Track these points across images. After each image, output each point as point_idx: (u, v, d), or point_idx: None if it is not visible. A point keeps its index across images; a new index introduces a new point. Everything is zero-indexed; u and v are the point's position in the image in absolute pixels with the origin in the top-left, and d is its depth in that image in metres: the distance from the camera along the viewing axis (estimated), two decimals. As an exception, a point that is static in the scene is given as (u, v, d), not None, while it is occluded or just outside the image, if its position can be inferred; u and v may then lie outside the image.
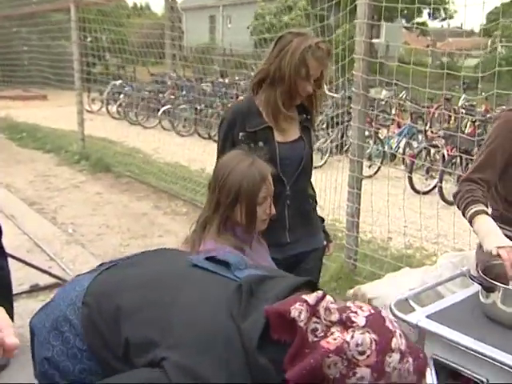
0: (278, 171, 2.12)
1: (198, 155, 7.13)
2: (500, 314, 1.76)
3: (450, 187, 6.19)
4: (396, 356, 1.12)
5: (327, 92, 7.71)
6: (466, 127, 8.13)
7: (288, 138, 2.26)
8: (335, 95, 7.39)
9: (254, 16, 21.27)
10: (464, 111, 7.76)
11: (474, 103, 8.63)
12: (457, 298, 1.96)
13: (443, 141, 6.66)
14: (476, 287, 1.93)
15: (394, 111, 9.39)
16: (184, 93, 10.86)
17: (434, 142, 6.97)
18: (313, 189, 2.44)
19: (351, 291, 3.53)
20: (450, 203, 5.65)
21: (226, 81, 10.91)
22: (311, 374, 1.12)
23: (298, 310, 1.17)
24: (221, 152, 2.18)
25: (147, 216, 5.70)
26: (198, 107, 9.83)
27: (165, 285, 1.36)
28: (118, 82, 11.99)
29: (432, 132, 7.89)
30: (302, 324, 1.17)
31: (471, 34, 25.70)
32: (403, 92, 9.99)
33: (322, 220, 2.49)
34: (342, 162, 4.98)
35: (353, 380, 1.10)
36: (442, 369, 1.77)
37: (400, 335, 1.16)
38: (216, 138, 2.48)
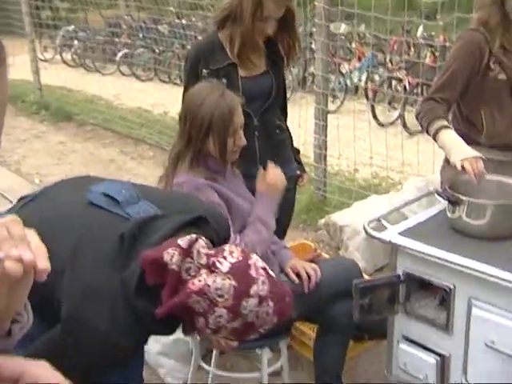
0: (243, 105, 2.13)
1: (160, 99, 7.02)
2: (466, 227, 1.87)
3: (412, 117, 6.28)
4: (253, 301, 1.29)
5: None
6: (425, 57, 8.18)
7: (253, 73, 2.28)
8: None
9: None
10: (423, 41, 7.78)
11: (433, 33, 8.65)
12: (425, 216, 2.06)
13: (404, 72, 6.71)
14: (442, 205, 2.03)
15: (354, 45, 9.34)
16: (141, 36, 10.53)
17: (395, 74, 7.01)
18: (285, 119, 2.47)
19: (322, 221, 3.65)
20: (413, 133, 5.77)
21: (183, 21, 10.60)
22: (179, 309, 1.30)
23: (170, 255, 1.29)
24: (186, 90, 2.17)
25: (115, 162, 5.66)
26: (157, 50, 9.58)
27: (58, 232, 1.40)
28: (71, 28, 11.52)
29: (392, 64, 7.93)
30: (174, 267, 1.29)
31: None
32: (362, 25, 9.92)
33: (298, 151, 2.54)
34: (306, 99, 5.00)
35: (213, 317, 1.29)
36: (412, 282, 1.88)
37: (263, 282, 1.30)
38: (176, 81, 2.48)
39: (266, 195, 2.00)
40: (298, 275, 1.99)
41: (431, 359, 1.84)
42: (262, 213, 1.95)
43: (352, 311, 2.01)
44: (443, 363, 1.83)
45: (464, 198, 1.85)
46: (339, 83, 7.51)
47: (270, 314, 1.33)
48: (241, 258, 1.32)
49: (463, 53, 2.15)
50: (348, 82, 7.73)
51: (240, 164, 2.13)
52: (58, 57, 11.89)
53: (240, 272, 1.30)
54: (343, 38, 10.00)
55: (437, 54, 7.10)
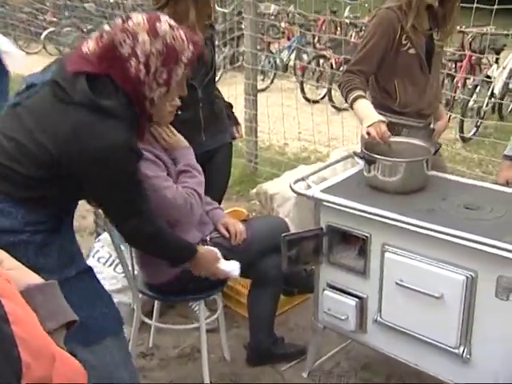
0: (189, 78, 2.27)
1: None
2: (380, 183, 2.09)
3: (338, 94, 6.56)
4: (165, 25, 1.56)
5: (217, 8, 7.73)
6: (351, 37, 8.48)
7: None
8: (225, 10, 7.41)
9: None
10: (349, 22, 8.07)
11: (358, 15, 8.97)
12: (345, 176, 2.27)
13: (331, 50, 6.96)
14: (361, 166, 2.24)
15: (283, 25, 9.53)
16: (67, 14, 10.27)
17: (322, 53, 7.26)
18: (218, 90, 2.62)
19: (254, 190, 3.81)
20: (339, 109, 6.04)
21: (111, 0, 10.43)
22: (109, 60, 1.54)
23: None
24: None
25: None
26: (84, 29, 9.40)
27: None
28: (-13, 3, 11.04)
29: (320, 43, 8.18)
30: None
31: None
32: (291, 6, 10.12)
33: (231, 106, 2.70)
34: (236, 78, 5.11)
35: (139, 47, 1.52)
36: (334, 234, 2.09)
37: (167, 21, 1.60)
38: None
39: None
40: (228, 231, 2.15)
41: (351, 301, 2.06)
42: (191, 161, 2.08)
43: (281, 264, 2.21)
44: (362, 304, 2.06)
45: (377, 157, 2.07)
46: (269, 62, 7.69)
47: (183, 39, 1.59)
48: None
49: (379, 29, 2.35)
50: (277, 60, 7.92)
51: (185, 133, 2.25)
52: (-23, 35, 11.35)
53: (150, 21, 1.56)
54: (273, 17, 10.17)
55: (361, 34, 7.40)
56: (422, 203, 1.99)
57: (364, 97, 2.25)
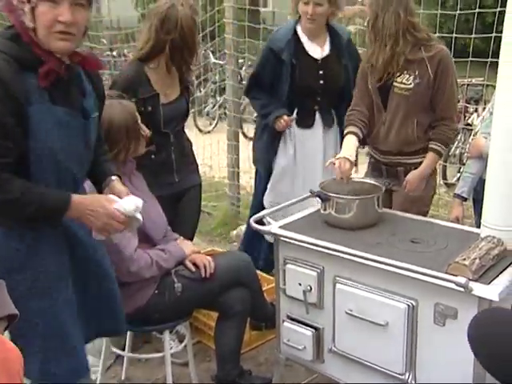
0: (161, 127, 2.56)
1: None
2: (334, 220, 2.23)
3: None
4: None
5: (214, 60, 8.08)
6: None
7: (170, 98, 2.64)
8: (221, 62, 7.74)
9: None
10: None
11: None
12: (304, 213, 2.41)
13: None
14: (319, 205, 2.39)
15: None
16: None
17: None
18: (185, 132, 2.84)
19: (234, 232, 3.97)
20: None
21: (114, 53, 10.86)
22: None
23: None
24: None
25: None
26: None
27: None
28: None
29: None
30: None
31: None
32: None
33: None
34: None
35: None
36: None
37: None
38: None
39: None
40: (195, 265, 2.29)
41: (308, 332, 2.17)
42: (179, 255, 2.30)
43: (245, 298, 2.34)
44: (318, 334, 2.16)
45: (331, 195, 2.22)
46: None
47: None
48: None
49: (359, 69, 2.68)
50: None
51: (159, 174, 2.53)
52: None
53: None
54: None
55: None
56: (372, 238, 2.12)
57: (352, 133, 2.51)
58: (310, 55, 2.94)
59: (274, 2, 23.87)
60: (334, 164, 2.34)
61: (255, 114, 8.19)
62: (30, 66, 1.57)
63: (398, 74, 2.49)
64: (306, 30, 2.91)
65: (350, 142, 2.51)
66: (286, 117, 2.92)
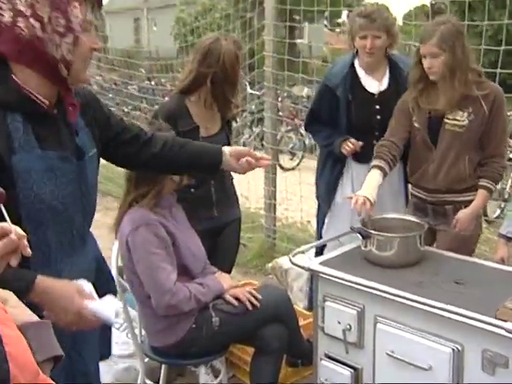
0: None
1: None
2: (375, 257, 2.20)
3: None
4: None
5: (251, 91, 8.18)
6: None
7: (211, 132, 2.66)
8: (258, 93, 7.84)
9: (175, 20, 21.20)
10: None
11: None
12: (344, 250, 2.38)
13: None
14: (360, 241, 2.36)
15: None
16: (111, 96, 10.97)
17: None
18: None
19: (270, 265, 3.94)
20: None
21: (153, 83, 11.12)
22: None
23: None
24: None
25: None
26: (125, 109, 10.00)
27: None
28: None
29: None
30: None
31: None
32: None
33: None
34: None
35: (18, 1, 1.29)
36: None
37: None
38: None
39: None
40: (237, 299, 2.27)
41: (347, 372, 2.12)
42: (217, 289, 2.28)
43: (282, 334, 2.30)
44: (357, 375, 2.11)
45: (372, 232, 2.19)
46: (298, 142, 8.02)
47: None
48: None
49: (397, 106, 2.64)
50: (306, 141, 8.22)
51: (198, 208, 2.52)
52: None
53: None
54: (305, 100, 10.59)
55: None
56: (414, 277, 2.07)
57: (378, 167, 2.46)
58: (366, 90, 2.87)
59: (309, 33, 24.31)
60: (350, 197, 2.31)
61: (291, 145, 8.44)
62: (15, 108, 1.36)
63: (450, 111, 2.46)
64: (365, 64, 2.84)
65: (374, 180, 2.43)
66: (352, 139, 2.83)
